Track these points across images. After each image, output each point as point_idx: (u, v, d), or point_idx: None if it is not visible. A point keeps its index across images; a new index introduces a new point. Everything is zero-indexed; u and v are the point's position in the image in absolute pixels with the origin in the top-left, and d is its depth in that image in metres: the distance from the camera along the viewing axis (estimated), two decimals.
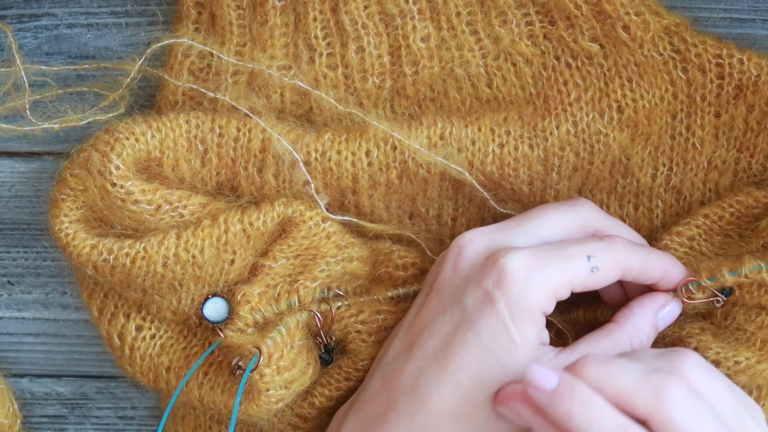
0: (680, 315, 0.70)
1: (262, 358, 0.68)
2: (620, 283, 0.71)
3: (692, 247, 0.71)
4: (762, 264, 0.67)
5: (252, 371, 0.68)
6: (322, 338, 0.72)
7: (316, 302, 0.72)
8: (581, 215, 0.69)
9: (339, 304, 0.72)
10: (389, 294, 0.72)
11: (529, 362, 0.65)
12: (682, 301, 0.69)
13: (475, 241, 0.68)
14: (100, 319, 0.75)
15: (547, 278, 0.65)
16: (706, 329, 0.70)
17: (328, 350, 0.72)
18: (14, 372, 0.81)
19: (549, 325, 0.71)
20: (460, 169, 0.72)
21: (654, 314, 0.69)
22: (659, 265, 0.68)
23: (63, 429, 0.83)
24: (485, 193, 0.73)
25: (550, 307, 0.66)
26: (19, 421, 0.80)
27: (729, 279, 0.67)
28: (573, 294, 0.70)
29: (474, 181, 0.73)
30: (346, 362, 0.72)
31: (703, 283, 0.68)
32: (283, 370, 0.69)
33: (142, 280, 0.71)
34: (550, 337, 0.68)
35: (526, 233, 0.68)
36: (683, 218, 0.73)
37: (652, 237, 0.74)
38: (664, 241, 0.72)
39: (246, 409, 0.69)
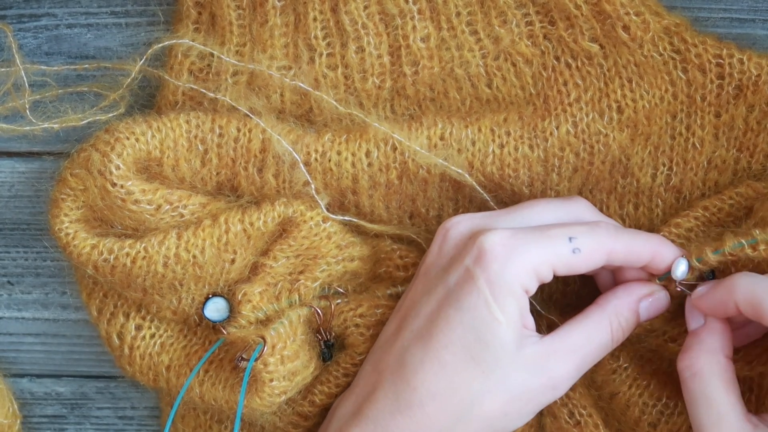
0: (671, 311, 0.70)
1: (266, 348, 0.68)
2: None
3: (689, 239, 0.71)
4: (743, 241, 0.66)
5: (256, 360, 0.68)
6: (322, 335, 0.72)
7: (317, 299, 0.72)
8: (574, 211, 0.69)
9: (338, 300, 0.72)
10: (388, 292, 0.72)
11: (513, 342, 0.65)
12: (676, 284, 0.68)
13: (460, 224, 0.69)
14: (99, 318, 0.75)
15: (526, 256, 0.66)
16: None
17: (328, 346, 0.72)
18: (14, 372, 0.81)
19: (551, 326, 0.71)
20: (460, 171, 0.72)
21: (637, 300, 0.69)
22: (647, 247, 0.68)
23: (63, 429, 0.83)
24: (486, 195, 0.73)
25: (532, 287, 0.66)
26: (19, 421, 0.80)
27: (712, 258, 0.67)
28: (573, 296, 0.70)
29: (474, 183, 0.73)
30: (344, 357, 0.72)
31: (692, 264, 0.68)
32: (287, 360, 0.69)
33: (143, 280, 0.71)
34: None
35: (514, 220, 0.69)
36: (683, 210, 0.72)
37: None
38: (662, 233, 0.72)
39: (249, 402, 0.69)
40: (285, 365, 0.69)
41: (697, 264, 0.67)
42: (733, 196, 0.72)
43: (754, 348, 0.70)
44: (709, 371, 0.66)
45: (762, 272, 0.67)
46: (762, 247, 0.66)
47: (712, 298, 0.67)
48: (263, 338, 0.68)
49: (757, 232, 0.66)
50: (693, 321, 0.68)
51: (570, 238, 0.66)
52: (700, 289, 0.68)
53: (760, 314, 0.64)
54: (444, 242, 0.69)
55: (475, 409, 0.66)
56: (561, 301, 0.75)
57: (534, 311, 0.68)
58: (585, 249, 0.66)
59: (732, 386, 0.66)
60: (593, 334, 0.67)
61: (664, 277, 0.69)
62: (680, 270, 0.68)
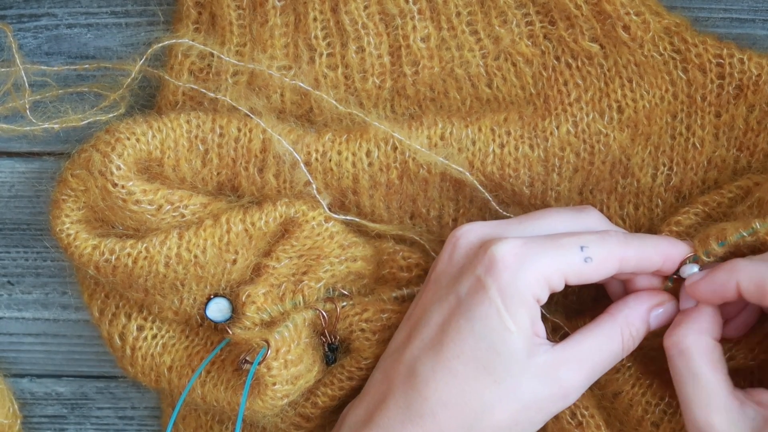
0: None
1: (269, 352, 0.68)
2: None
3: (689, 235, 0.71)
4: (743, 232, 0.67)
5: (259, 364, 0.68)
6: (326, 337, 0.72)
7: (322, 301, 0.72)
8: (585, 221, 0.69)
9: (344, 303, 0.72)
10: (393, 295, 0.72)
11: (524, 351, 0.65)
12: (673, 275, 0.69)
13: (470, 233, 0.69)
14: (101, 319, 0.75)
15: (538, 265, 0.66)
16: None
17: (332, 349, 0.72)
18: (14, 372, 0.81)
19: (555, 330, 0.71)
20: (461, 169, 0.72)
21: (648, 310, 0.69)
22: (657, 250, 0.68)
23: (63, 429, 0.83)
24: (486, 194, 0.73)
25: (543, 296, 0.66)
26: (19, 421, 0.80)
27: (720, 250, 0.67)
28: (574, 297, 0.70)
29: (475, 181, 0.73)
30: (349, 361, 0.72)
31: (701, 258, 0.68)
32: (290, 365, 0.69)
33: (144, 280, 0.71)
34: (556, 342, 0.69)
35: (525, 229, 0.69)
36: (682, 207, 0.73)
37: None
38: (663, 233, 0.72)
39: (251, 405, 0.69)
40: (288, 369, 0.69)
41: (705, 258, 0.68)
42: (732, 189, 0.72)
43: (754, 336, 0.70)
44: (696, 350, 0.66)
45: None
46: (761, 233, 0.66)
47: (711, 282, 0.67)
48: (267, 342, 0.68)
49: (758, 224, 0.66)
50: (685, 303, 0.68)
51: (582, 247, 0.66)
52: (697, 275, 0.68)
53: (765, 294, 0.64)
54: (454, 250, 0.69)
55: (486, 419, 0.66)
56: (562, 302, 0.75)
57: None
58: (597, 258, 0.66)
59: (719, 365, 0.66)
60: (604, 343, 0.67)
61: (673, 277, 0.69)
62: (690, 273, 0.68)
